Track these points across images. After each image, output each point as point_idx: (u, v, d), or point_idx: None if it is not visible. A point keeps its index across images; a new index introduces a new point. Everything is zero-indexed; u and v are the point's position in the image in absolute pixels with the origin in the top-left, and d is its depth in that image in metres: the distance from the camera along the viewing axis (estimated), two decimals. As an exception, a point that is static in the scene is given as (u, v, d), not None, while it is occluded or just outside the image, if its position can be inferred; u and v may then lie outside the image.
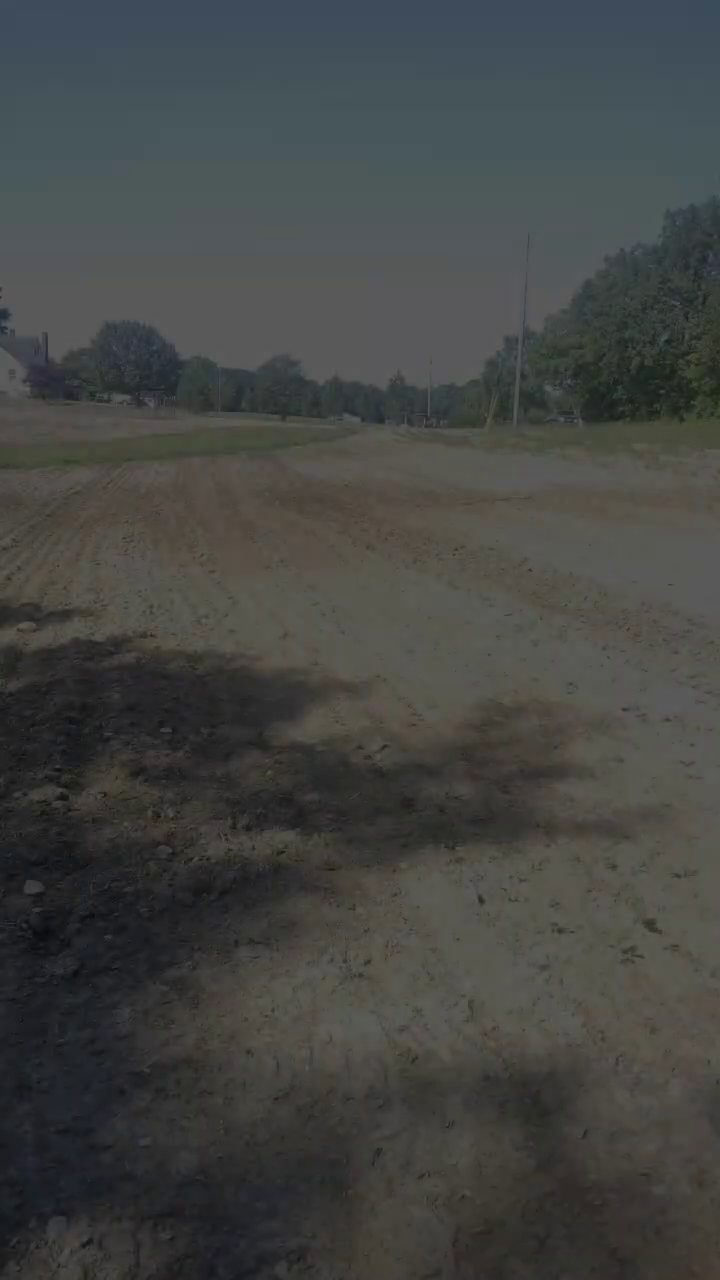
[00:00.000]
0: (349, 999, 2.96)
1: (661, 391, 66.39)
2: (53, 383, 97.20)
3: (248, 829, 4.15)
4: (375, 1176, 2.31)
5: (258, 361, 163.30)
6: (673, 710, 5.90)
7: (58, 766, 4.77)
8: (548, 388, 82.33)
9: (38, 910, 3.44)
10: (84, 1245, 2.08)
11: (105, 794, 4.53)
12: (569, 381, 76.49)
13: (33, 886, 3.61)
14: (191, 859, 3.87)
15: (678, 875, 3.81)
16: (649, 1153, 2.39)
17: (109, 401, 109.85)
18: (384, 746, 5.25)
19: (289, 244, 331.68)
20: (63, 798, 4.43)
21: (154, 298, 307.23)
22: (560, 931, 3.36)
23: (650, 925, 3.41)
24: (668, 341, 66.45)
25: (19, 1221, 2.15)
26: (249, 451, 35.44)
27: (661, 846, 4.08)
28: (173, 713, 5.76)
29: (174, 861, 3.84)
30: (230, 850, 3.92)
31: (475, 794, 4.65)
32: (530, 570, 11.26)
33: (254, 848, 3.98)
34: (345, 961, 3.17)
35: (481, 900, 3.57)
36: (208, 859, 3.85)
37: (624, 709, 5.97)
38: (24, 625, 7.97)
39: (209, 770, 4.88)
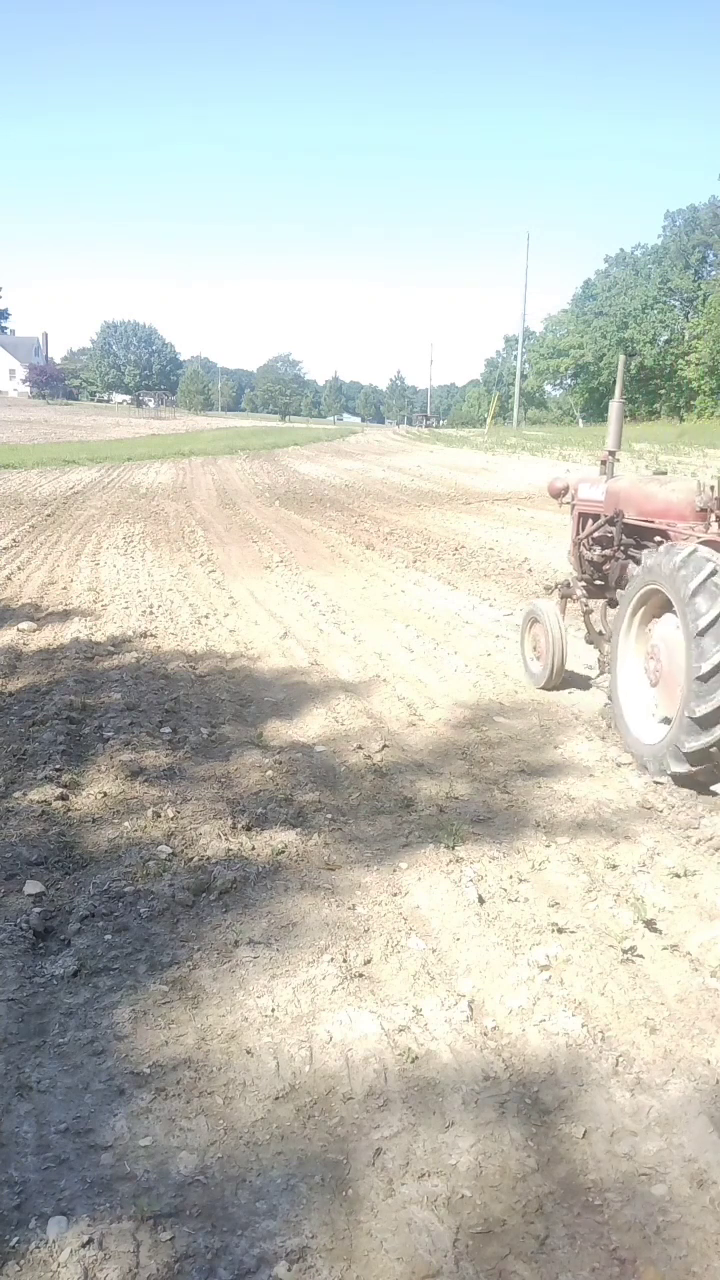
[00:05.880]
0: (349, 999, 2.96)
1: (661, 391, 66.34)
2: (53, 383, 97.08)
3: (248, 829, 4.15)
4: (375, 1176, 2.31)
5: (258, 361, 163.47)
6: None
7: (58, 766, 4.77)
8: (548, 387, 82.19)
9: (38, 910, 3.44)
10: (84, 1245, 2.08)
11: (105, 794, 4.53)
12: (569, 381, 76.43)
13: (33, 886, 3.61)
14: (191, 859, 3.87)
15: (678, 875, 3.81)
16: (649, 1153, 2.39)
17: (109, 402, 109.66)
18: (384, 746, 5.25)
19: (289, 243, 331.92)
20: (63, 798, 4.43)
21: (154, 298, 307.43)
22: (560, 931, 3.36)
23: (650, 925, 3.41)
24: (668, 341, 66.43)
25: (19, 1221, 2.15)
26: (249, 451, 35.44)
27: (661, 846, 4.08)
28: (173, 713, 5.76)
29: (174, 861, 3.83)
30: (230, 850, 3.91)
31: (475, 793, 4.65)
32: (530, 570, 11.26)
33: (254, 848, 3.98)
34: (345, 961, 3.17)
35: (481, 900, 3.57)
36: (208, 859, 3.85)
37: (624, 709, 5.95)
38: (24, 625, 7.97)
39: (209, 770, 4.88)
